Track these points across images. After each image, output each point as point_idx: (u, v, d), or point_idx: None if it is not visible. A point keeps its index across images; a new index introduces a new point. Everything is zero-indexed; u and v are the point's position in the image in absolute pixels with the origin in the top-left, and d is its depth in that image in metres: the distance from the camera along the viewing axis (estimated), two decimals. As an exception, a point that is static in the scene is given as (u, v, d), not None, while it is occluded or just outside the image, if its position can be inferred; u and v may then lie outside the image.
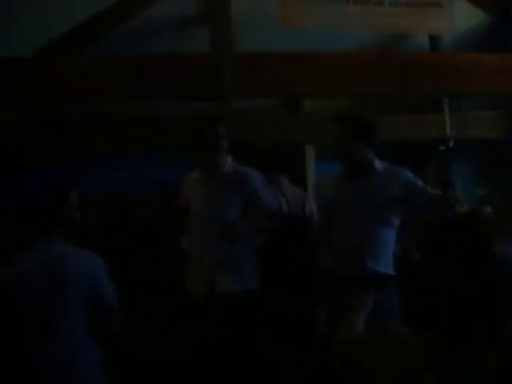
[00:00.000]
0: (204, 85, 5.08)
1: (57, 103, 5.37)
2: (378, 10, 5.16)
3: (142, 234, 5.09)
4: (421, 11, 5.07)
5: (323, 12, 5.09)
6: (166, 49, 5.67)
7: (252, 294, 3.50)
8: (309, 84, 5.22)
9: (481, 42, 6.45)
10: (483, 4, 6.39)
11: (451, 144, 6.24)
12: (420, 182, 3.54)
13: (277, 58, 5.18)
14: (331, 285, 3.40)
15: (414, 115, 6.36)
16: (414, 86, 5.41)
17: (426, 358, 1.97)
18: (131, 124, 5.44)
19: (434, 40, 6.30)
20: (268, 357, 3.42)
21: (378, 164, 3.52)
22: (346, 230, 3.41)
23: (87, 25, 6.02)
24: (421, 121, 6.39)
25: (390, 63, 5.40)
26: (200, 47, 5.40)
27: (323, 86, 5.21)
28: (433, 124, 6.32)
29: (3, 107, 5.13)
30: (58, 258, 2.49)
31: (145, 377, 3.54)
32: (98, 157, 5.67)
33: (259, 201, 3.58)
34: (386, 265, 3.39)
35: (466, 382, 1.87)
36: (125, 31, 6.08)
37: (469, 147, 6.53)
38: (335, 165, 3.70)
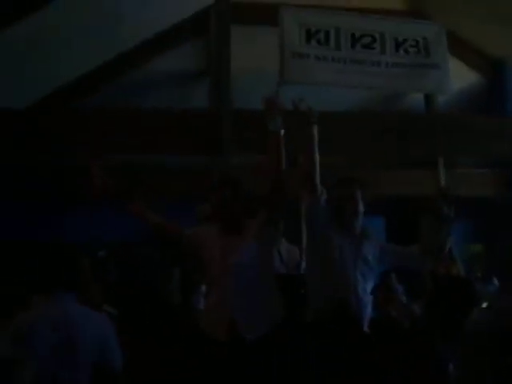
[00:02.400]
0: (203, 139, 5.15)
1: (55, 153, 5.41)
2: (375, 70, 5.21)
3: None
4: (418, 72, 5.10)
5: (321, 70, 5.15)
6: (164, 103, 5.74)
7: None
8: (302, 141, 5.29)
9: (473, 102, 6.57)
10: (477, 65, 6.52)
11: (450, 196, 6.29)
12: None
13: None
14: None
15: (406, 171, 6.44)
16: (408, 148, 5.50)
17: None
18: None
19: (429, 98, 6.42)
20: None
21: None
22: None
23: (88, 76, 6.10)
24: (414, 176, 6.47)
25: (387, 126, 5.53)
26: (199, 103, 5.48)
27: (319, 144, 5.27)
28: (427, 180, 6.37)
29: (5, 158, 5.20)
30: (70, 322, 2.50)
31: None
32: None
33: None
34: None
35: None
36: (125, 84, 6.16)
37: (463, 204, 6.56)
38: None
